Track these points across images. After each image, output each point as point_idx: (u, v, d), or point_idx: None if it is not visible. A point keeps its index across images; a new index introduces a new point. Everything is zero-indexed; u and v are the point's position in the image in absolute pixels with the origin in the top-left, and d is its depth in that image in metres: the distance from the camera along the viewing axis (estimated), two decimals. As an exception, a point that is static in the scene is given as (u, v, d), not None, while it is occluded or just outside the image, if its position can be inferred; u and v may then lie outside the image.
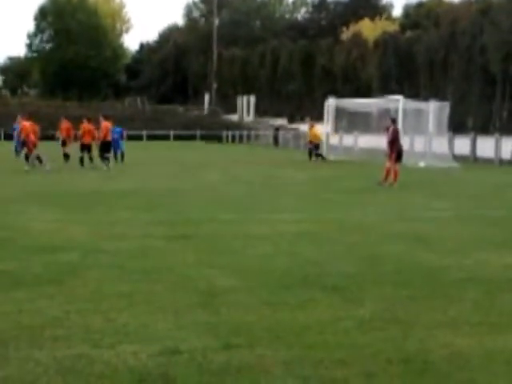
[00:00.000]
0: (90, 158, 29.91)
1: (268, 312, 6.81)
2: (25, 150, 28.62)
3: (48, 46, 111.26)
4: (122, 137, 34.46)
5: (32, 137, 28.19)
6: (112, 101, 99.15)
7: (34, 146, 28.29)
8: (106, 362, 5.30)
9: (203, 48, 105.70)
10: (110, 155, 30.98)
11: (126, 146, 34.83)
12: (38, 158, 28.56)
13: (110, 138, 30.88)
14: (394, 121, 25.21)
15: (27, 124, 29.19)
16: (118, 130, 34.37)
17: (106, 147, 30.35)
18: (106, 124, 31.09)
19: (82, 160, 29.60)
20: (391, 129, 23.90)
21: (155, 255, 9.72)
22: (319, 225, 13.30)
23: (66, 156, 32.79)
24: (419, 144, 40.50)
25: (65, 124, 34.42)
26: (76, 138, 32.95)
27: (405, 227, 13.30)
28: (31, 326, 6.26)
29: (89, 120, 31.24)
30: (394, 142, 23.57)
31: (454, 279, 8.52)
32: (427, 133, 39.56)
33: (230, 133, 76.42)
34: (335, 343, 5.88)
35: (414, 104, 40.83)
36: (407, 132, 39.38)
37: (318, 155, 39.14)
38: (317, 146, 39.72)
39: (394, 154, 23.30)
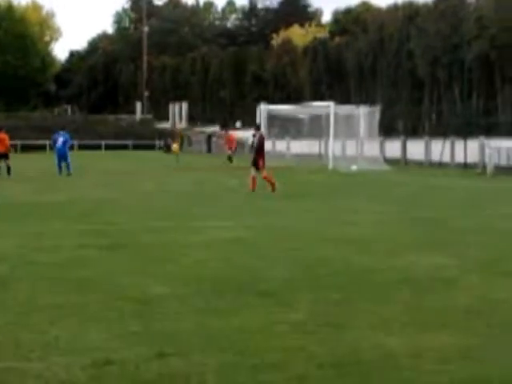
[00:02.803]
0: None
1: (201, 319, 6.80)
2: None
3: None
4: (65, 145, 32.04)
5: None
6: (42, 110, 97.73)
7: None
8: (37, 376, 5.21)
9: (133, 56, 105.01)
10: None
11: (53, 156, 33.04)
12: None
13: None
14: (259, 128, 24.72)
15: None
16: (63, 138, 32.17)
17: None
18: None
19: None
20: (258, 135, 23.38)
21: (88, 265, 9.61)
22: (252, 231, 13.34)
23: None
24: (351, 148, 41.06)
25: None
26: None
27: (337, 231, 13.44)
28: (-41, 341, 6.12)
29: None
30: (262, 149, 23.16)
31: (386, 281, 8.64)
32: (358, 137, 40.08)
33: (162, 141, 76.05)
34: (269, 347, 5.89)
35: (344, 109, 41.30)
36: (339, 136, 39.88)
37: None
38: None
39: (263, 161, 22.76)
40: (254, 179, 22.53)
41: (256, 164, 22.65)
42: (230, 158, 42.60)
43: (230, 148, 43.89)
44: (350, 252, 10.86)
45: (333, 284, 8.47)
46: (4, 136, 30.91)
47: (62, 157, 31.68)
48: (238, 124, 51.72)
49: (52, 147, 32.77)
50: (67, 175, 30.91)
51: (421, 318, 6.91)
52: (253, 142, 23.43)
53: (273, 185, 22.29)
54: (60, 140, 31.91)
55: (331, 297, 7.75)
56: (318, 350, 5.82)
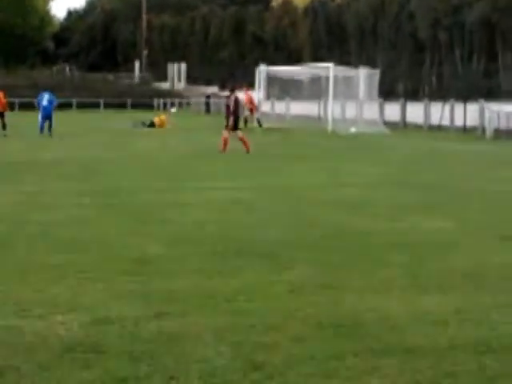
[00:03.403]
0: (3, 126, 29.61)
1: (199, 279, 6.80)
2: None
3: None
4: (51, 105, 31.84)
5: None
6: (40, 68, 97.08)
7: None
8: (36, 333, 5.22)
9: (132, 15, 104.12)
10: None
11: (56, 114, 32.99)
12: None
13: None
14: (233, 90, 24.09)
15: None
16: (49, 97, 32.05)
17: None
18: None
19: None
20: (232, 98, 23.32)
21: (86, 225, 9.61)
22: (251, 192, 13.33)
23: None
24: (350, 110, 40.87)
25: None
26: None
27: (337, 193, 13.43)
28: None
29: None
30: (235, 112, 23.03)
31: (385, 243, 8.64)
32: (358, 99, 39.90)
33: (161, 100, 75.72)
34: (266, 308, 5.90)
35: (344, 71, 41.04)
36: (338, 98, 39.70)
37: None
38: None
39: (232, 123, 22.71)
40: (225, 140, 22.49)
41: (234, 126, 22.70)
42: (258, 122, 38.93)
43: (251, 109, 39.35)
44: (349, 214, 10.87)
45: (331, 246, 8.48)
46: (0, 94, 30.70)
47: (47, 116, 31.35)
48: (173, 109, 48.12)
49: (37, 107, 32.33)
50: (49, 136, 30.63)
51: (419, 281, 6.92)
52: (228, 104, 23.26)
53: (247, 146, 22.38)
54: (45, 99, 31.71)
55: (330, 258, 7.76)
56: (316, 312, 5.83)
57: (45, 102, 31.54)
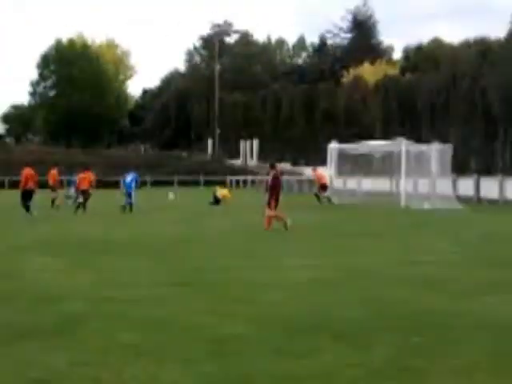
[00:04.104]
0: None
1: (275, 361, 6.74)
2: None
3: (51, 94, 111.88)
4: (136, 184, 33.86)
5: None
6: (115, 147, 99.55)
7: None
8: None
9: (205, 93, 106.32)
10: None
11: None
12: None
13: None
14: (273, 166, 23.82)
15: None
16: (132, 177, 33.74)
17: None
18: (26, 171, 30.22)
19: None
20: (272, 174, 23.09)
21: (162, 304, 9.66)
22: (326, 270, 13.23)
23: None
24: (423, 186, 40.56)
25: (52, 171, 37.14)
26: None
27: (412, 271, 13.23)
28: (39, 379, 6.19)
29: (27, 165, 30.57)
30: (274, 188, 22.74)
31: (464, 324, 8.43)
32: (431, 175, 39.60)
33: (234, 178, 76.52)
34: (346, 393, 5.81)
35: (416, 146, 40.94)
36: (410, 174, 39.50)
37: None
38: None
39: (274, 201, 22.51)
40: (270, 218, 22.51)
41: (268, 203, 22.54)
42: (328, 199, 39.63)
43: (322, 186, 40.10)
44: (425, 293, 10.67)
45: (409, 326, 8.32)
46: (89, 174, 32.11)
47: (129, 193, 32.94)
48: (171, 195, 48.69)
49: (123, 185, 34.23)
50: (129, 211, 31.92)
51: (504, 364, 6.72)
52: (267, 182, 23.20)
53: (267, 225, 22.42)
54: (129, 178, 33.53)
55: (408, 340, 7.61)
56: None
57: (128, 180, 33.28)
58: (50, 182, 36.59)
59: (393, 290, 10.97)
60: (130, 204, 32.55)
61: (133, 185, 33.10)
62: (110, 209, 33.29)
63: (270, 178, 23.15)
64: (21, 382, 6.13)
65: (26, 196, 28.69)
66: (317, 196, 39.58)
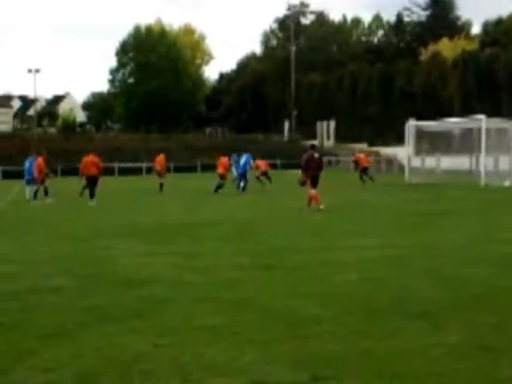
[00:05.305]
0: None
1: (355, 342, 6.78)
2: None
3: (130, 81, 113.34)
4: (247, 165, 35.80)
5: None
6: (193, 132, 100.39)
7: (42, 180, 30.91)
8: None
9: (281, 75, 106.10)
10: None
11: (205, 176, 35.34)
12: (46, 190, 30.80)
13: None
14: (313, 147, 24.55)
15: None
16: (246, 158, 35.91)
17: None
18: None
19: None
20: (304, 156, 23.55)
21: (241, 286, 9.77)
22: (402, 250, 13.18)
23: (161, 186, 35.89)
24: (504, 163, 39.82)
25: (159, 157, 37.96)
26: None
27: (492, 249, 13.07)
28: (121, 361, 6.35)
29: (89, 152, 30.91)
30: (307, 168, 23.08)
31: (545, 303, 8.33)
32: (511, 151, 38.86)
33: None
34: (426, 373, 5.81)
35: (496, 123, 40.15)
36: (491, 151, 38.80)
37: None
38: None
39: (309, 179, 22.92)
40: (311, 198, 22.85)
41: (311, 181, 22.94)
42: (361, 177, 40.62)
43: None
44: (503, 272, 10.54)
45: (485, 306, 8.24)
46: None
47: (241, 175, 35.35)
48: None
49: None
50: (240, 193, 34.18)
51: None
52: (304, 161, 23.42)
53: (309, 203, 22.85)
54: (243, 160, 35.78)
55: (485, 319, 7.55)
56: (478, 376, 5.69)
57: (242, 162, 35.58)
58: (157, 167, 37.58)
59: (470, 269, 10.87)
60: (244, 186, 34.80)
61: (247, 167, 35.31)
62: (189, 192, 33.58)
63: (304, 158, 23.45)
64: (103, 363, 6.30)
65: (90, 182, 29.50)
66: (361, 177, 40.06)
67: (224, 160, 35.47)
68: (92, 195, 28.77)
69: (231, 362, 6.24)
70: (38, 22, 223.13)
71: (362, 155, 42.23)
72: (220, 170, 34.76)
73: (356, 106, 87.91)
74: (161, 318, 7.93)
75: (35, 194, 30.49)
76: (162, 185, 35.94)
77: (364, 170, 40.38)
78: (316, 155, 23.49)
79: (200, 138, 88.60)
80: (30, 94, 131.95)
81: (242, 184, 34.82)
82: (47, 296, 9.33)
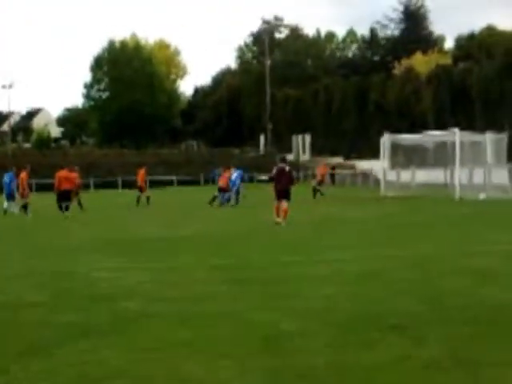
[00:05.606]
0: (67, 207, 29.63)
1: (332, 355, 6.75)
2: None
3: (104, 95, 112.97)
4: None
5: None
6: (169, 146, 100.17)
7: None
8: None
9: (256, 89, 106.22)
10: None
11: (182, 190, 35.26)
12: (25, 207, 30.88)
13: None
14: (284, 160, 25.11)
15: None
16: (237, 174, 36.30)
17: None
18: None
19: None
20: (276, 167, 23.83)
21: (217, 300, 9.72)
22: (378, 262, 13.20)
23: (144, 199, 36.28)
24: (478, 176, 40.04)
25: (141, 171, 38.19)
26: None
27: (467, 262, 13.12)
28: (95, 377, 6.28)
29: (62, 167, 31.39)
30: (276, 181, 23.22)
31: (519, 316, 8.35)
32: (486, 165, 39.10)
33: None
34: (402, 386, 5.80)
35: (470, 136, 40.42)
36: (465, 164, 39.01)
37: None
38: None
39: (275, 192, 23.12)
40: (277, 209, 22.93)
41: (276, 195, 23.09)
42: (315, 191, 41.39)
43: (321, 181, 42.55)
44: (479, 284, 10.58)
45: (464, 318, 8.25)
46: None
47: (235, 190, 35.66)
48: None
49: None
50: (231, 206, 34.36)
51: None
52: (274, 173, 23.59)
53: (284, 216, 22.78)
54: (234, 175, 36.05)
55: (462, 332, 7.56)
56: (453, 389, 5.69)
57: (234, 176, 35.75)
58: (139, 181, 37.94)
59: (447, 281, 10.90)
60: (236, 199, 35.27)
61: (237, 182, 35.75)
62: (164, 207, 33.40)
63: (274, 171, 23.55)
64: (77, 380, 6.23)
65: (61, 197, 29.55)
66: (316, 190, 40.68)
67: (228, 173, 36.11)
68: (66, 208, 28.96)
69: (207, 376, 6.20)
70: (11, 36, 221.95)
71: (321, 167, 43.87)
72: (221, 183, 35.52)
73: (331, 120, 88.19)
74: (135, 334, 7.86)
75: (25, 207, 30.87)
76: (148, 198, 36.54)
77: (320, 183, 41.52)
78: (287, 168, 23.57)
79: (175, 153, 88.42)
80: (4, 109, 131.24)
81: (225, 196, 35.13)
82: (21, 312, 9.24)
